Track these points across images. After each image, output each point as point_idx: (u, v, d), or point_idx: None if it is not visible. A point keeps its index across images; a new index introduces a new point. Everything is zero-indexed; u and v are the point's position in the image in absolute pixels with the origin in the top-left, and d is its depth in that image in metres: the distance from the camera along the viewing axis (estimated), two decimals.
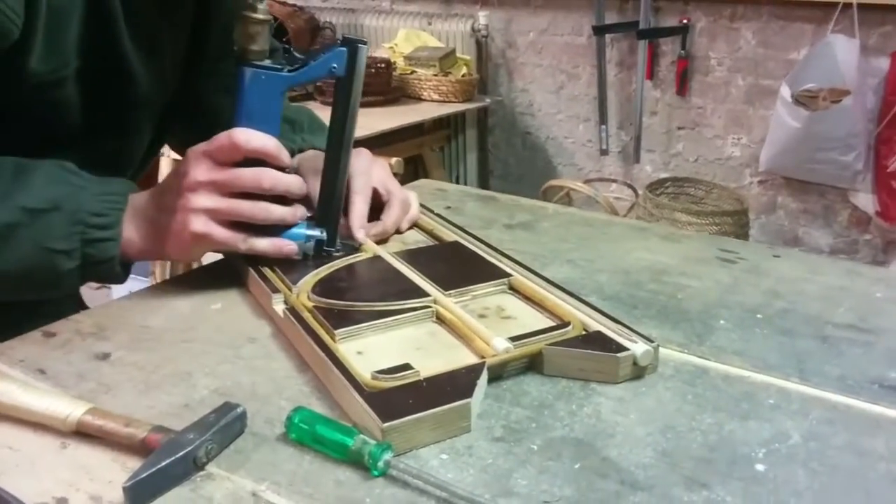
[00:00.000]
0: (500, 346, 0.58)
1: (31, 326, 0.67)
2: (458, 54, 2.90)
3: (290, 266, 0.73)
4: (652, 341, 0.60)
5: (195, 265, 0.93)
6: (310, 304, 0.66)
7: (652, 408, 0.56)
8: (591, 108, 2.84)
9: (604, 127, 2.77)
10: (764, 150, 2.45)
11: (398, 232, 0.84)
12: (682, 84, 2.63)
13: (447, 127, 3.02)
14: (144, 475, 0.45)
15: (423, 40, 2.98)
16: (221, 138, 0.68)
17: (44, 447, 0.51)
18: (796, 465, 0.50)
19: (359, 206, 0.79)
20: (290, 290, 0.69)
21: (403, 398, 0.52)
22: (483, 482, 0.47)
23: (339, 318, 0.63)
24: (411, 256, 0.77)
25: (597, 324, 0.63)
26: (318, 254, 0.75)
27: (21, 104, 0.70)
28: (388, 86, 2.75)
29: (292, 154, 0.85)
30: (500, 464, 0.49)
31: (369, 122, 2.36)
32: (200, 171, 0.68)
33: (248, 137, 0.68)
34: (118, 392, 0.57)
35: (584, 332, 0.62)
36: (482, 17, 2.95)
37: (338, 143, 0.75)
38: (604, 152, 2.82)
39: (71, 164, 0.69)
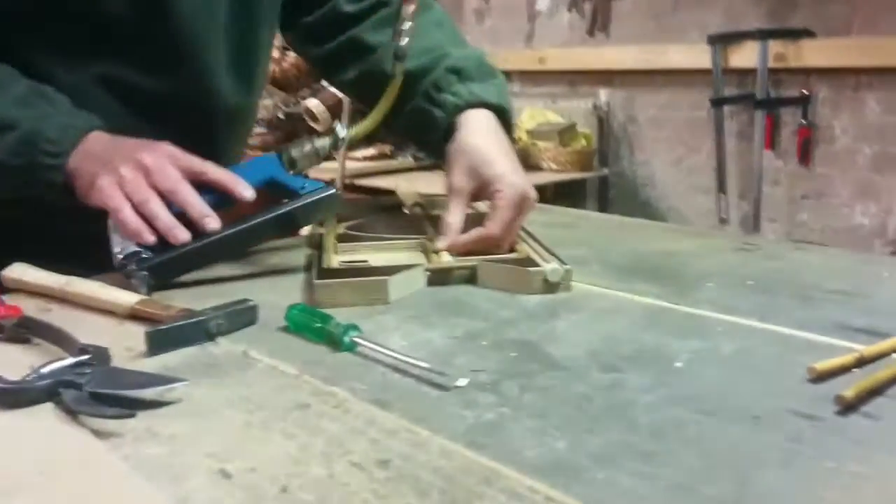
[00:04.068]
0: (444, 258, 0.74)
1: None
2: (580, 129, 3.03)
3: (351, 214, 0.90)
4: (565, 264, 0.71)
5: None
6: (339, 232, 0.85)
7: (604, 328, 0.62)
8: (711, 180, 2.84)
9: (723, 196, 2.76)
10: (893, 217, 2.34)
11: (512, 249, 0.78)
12: (805, 153, 2.59)
13: (568, 198, 3.11)
14: (162, 328, 0.58)
15: (547, 117, 3.13)
16: (198, 161, 0.73)
17: (106, 323, 0.65)
18: (714, 365, 0.54)
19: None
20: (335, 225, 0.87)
21: (346, 273, 0.69)
22: (429, 360, 0.56)
23: (349, 240, 0.82)
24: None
25: (535, 254, 0.74)
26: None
27: None
28: None
29: (458, 110, 0.83)
30: (450, 350, 0.58)
31: None
32: (155, 159, 0.71)
33: (217, 170, 0.73)
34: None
35: (520, 258, 0.74)
36: (603, 94, 3.07)
37: None
38: (723, 221, 2.79)
39: (50, 90, 0.75)
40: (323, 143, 0.80)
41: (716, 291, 0.70)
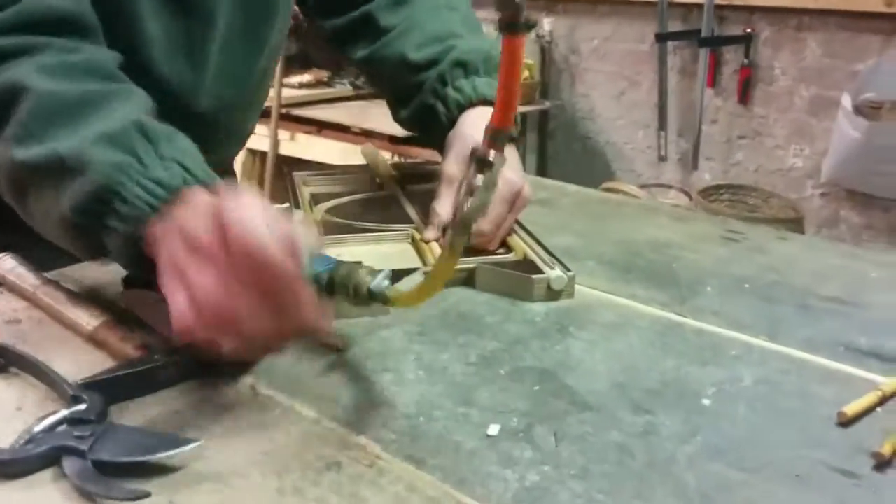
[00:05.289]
0: (435, 248, 0.72)
1: None
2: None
3: (323, 192, 0.87)
4: (569, 271, 0.69)
5: None
6: (319, 219, 0.80)
7: (618, 350, 0.60)
8: (652, 115, 2.84)
9: (663, 133, 2.78)
10: (826, 160, 2.41)
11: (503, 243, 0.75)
12: (745, 93, 2.62)
13: None
14: (95, 380, 0.51)
15: None
16: (299, 291, 0.49)
17: (83, 346, 0.59)
18: (741, 402, 0.54)
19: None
20: (311, 208, 0.82)
21: None
22: (450, 394, 0.53)
23: (334, 230, 0.77)
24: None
25: (534, 254, 0.72)
26: None
27: None
28: None
29: (460, 107, 0.79)
30: (469, 382, 0.55)
31: None
32: (241, 282, 0.47)
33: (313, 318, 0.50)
34: None
35: (519, 260, 0.72)
36: (547, 23, 3.00)
37: None
38: (662, 158, 2.82)
39: (145, 114, 0.56)
40: (360, 279, 0.54)
41: (717, 298, 0.70)
